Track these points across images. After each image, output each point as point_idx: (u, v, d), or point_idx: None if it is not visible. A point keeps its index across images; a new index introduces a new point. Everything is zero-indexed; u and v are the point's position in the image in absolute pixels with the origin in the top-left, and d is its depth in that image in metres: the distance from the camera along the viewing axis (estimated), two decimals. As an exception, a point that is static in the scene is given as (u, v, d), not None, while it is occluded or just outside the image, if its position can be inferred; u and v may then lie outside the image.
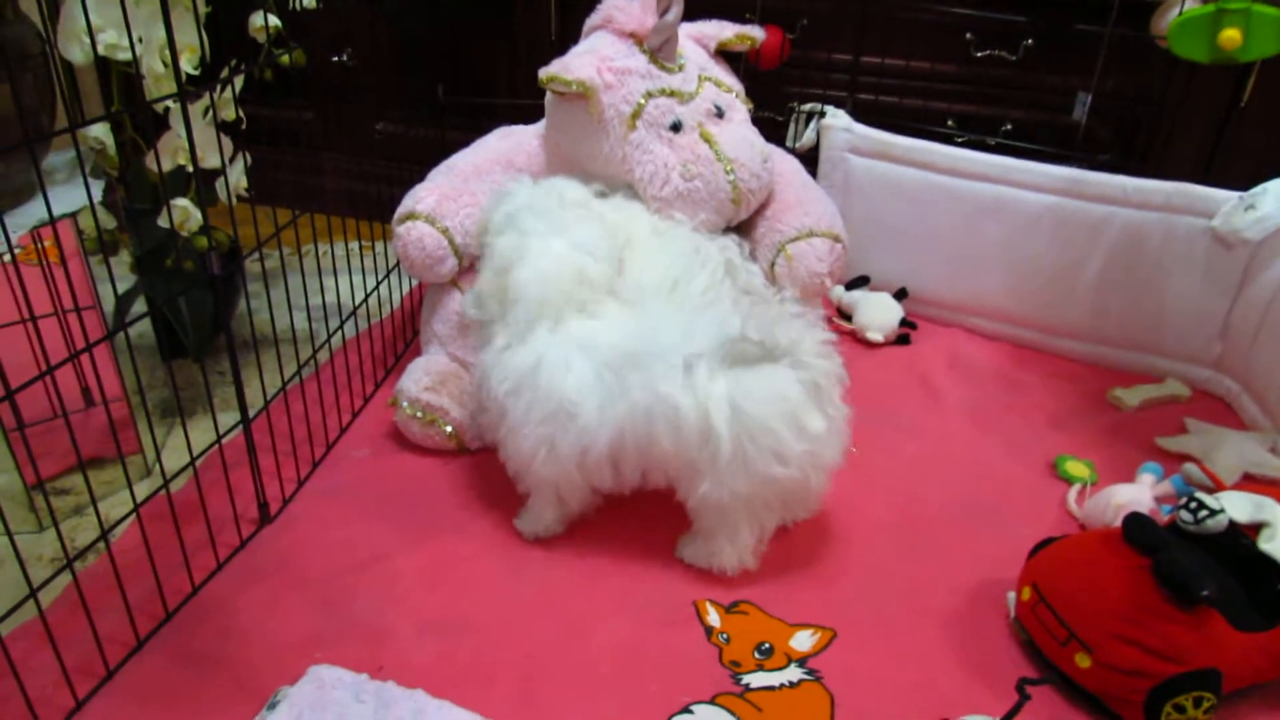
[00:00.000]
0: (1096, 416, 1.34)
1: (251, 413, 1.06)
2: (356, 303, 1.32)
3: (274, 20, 1.22)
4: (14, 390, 0.74)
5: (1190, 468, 1.11)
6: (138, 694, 0.88)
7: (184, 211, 1.14)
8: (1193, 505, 0.93)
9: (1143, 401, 1.36)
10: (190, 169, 1.14)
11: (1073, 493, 1.16)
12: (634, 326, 1.02)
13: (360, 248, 1.53)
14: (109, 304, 1.24)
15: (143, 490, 0.94)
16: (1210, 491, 0.97)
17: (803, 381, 0.95)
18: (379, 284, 1.39)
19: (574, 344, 1.00)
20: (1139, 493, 1.10)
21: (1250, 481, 1.16)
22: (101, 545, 1.02)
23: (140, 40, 1.06)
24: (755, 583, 1.02)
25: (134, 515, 0.90)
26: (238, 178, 1.20)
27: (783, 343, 0.95)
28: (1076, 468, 1.21)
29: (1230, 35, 1.21)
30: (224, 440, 1.03)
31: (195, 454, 0.98)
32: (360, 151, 1.77)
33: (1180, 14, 1.25)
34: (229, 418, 1.05)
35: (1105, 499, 1.10)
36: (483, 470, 1.19)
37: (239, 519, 1.06)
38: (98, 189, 1.13)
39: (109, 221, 1.14)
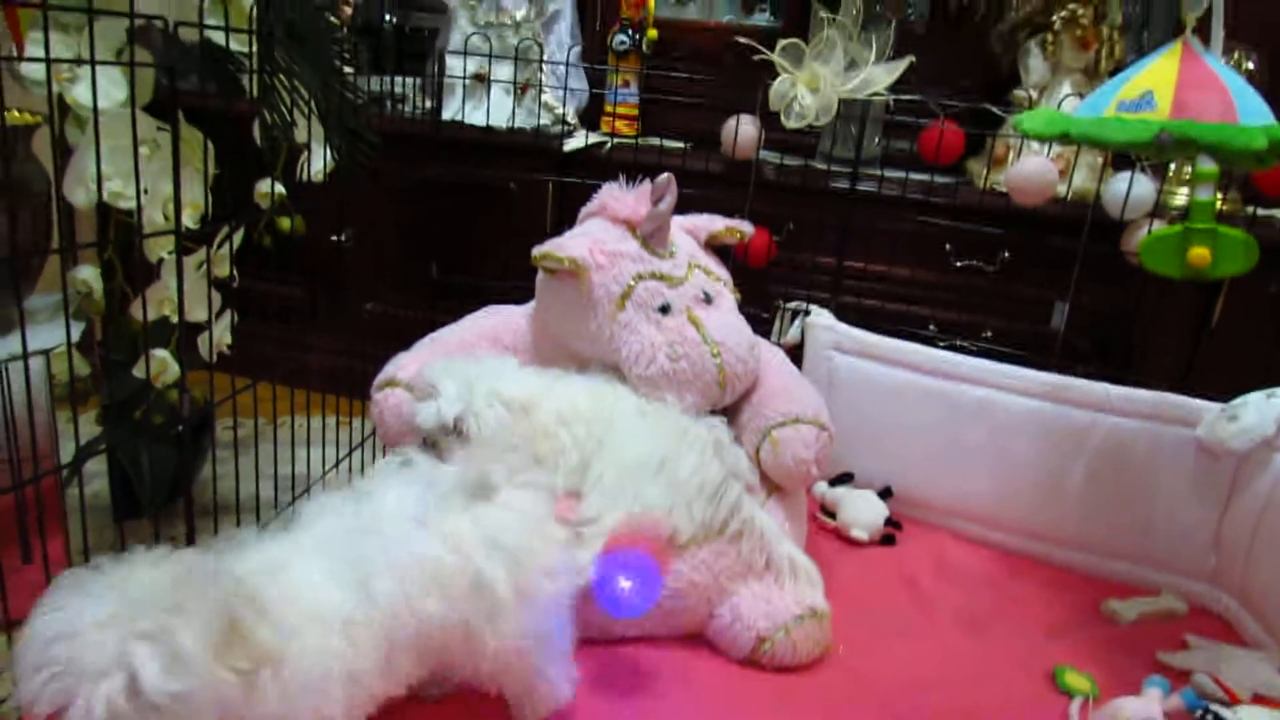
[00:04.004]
0: (1093, 629, 1.28)
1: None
2: (326, 473, 1.27)
3: (279, 188, 1.25)
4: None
5: (1202, 679, 1.04)
6: None
7: (162, 363, 1.12)
8: None
9: (1139, 615, 1.30)
10: (174, 319, 1.13)
11: (1075, 706, 1.08)
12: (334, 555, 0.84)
13: (338, 422, 1.50)
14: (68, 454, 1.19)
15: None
16: (1225, 705, 0.90)
17: (536, 494, 0.93)
18: (350, 453, 1.35)
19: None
20: (1148, 707, 1.02)
21: (1262, 701, 1.09)
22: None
23: (146, 192, 1.08)
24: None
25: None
26: (222, 333, 1.19)
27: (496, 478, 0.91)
28: (1077, 680, 1.13)
29: (1199, 253, 1.26)
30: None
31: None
32: (348, 330, 1.78)
33: (1149, 233, 1.31)
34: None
35: (1112, 714, 1.03)
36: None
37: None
38: (77, 331, 1.11)
39: (83, 368, 1.12)
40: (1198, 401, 1.31)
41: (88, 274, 1.09)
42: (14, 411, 1.01)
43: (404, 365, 1.22)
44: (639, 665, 1.09)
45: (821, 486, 1.53)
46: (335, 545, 0.82)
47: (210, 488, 1.42)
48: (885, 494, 1.50)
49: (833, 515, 1.49)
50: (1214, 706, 0.87)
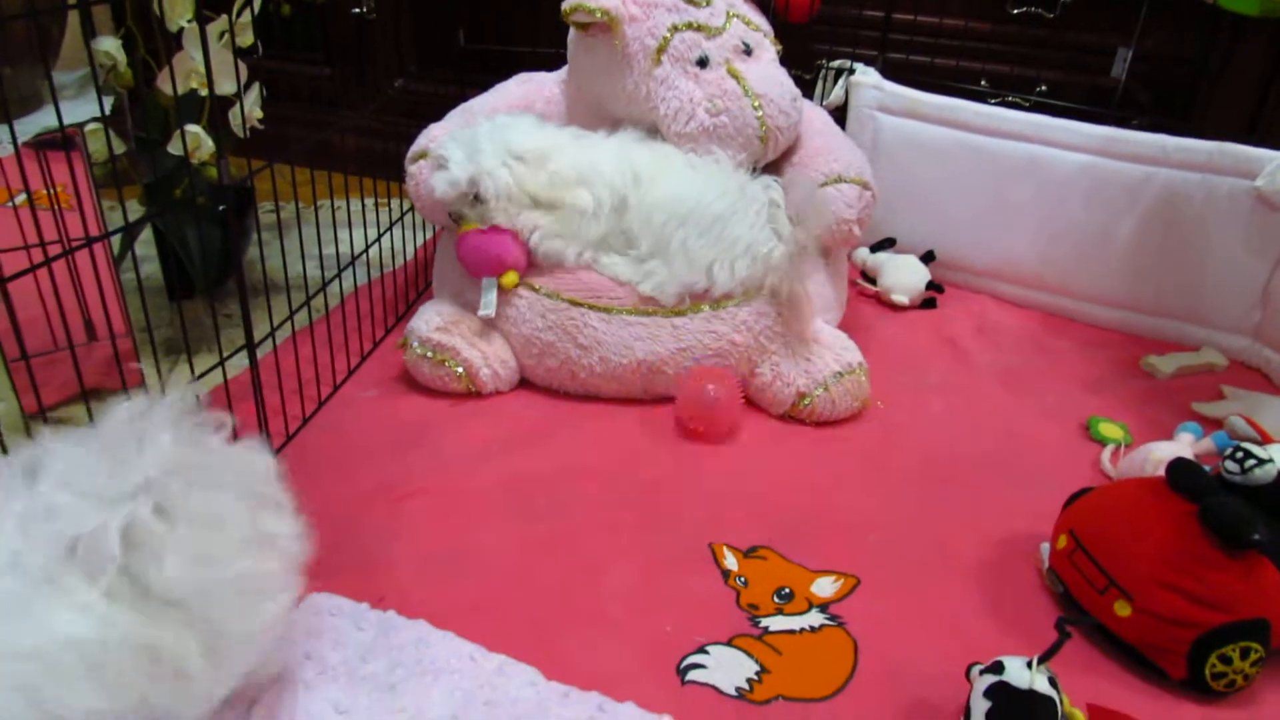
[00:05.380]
0: (1130, 383, 1.29)
1: (259, 350, 1.02)
2: (368, 249, 1.29)
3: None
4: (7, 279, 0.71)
5: (1236, 420, 1.06)
6: (129, 616, 0.84)
7: (195, 138, 1.11)
8: (1239, 455, 0.88)
9: (1177, 369, 1.31)
10: (204, 93, 1.11)
11: (1106, 452, 1.12)
12: None
13: (375, 204, 1.50)
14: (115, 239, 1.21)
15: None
16: (1257, 444, 0.92)
17: (241, 496, 0.68)
18: (390, 227, 1.36)
19: None
20: (1179, 449, 1.05)
21: (1295, 443, 1.11)
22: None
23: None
24: (774, 529, 0.98)
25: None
26: (252, 106, 1.17)
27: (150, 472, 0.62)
28: (1110, 429, 1.16)
29: (1282, -17, 1.17)
30: (228, 364, 0.99)
31: (200, 389, 0.94)
32: (378, 109, 1.74)
33: (1229, -37, 1.21)
34: (235, 359, 1.01)
35: (1142, 456, 1.05)
36: (493, 413, 1.15)
37: (241, 451, 1.02)
38: (106, 105, 1.10)
39: (118, 146, 1.11)
40: (1259, 150, 1.26)
41: (109, 45, 1.07)
42: (56, 190, 1.02)
43: (436, 136, 1.20)
44: (681, 420, 1.13)
45: (863, 252, 1.52)
46: None
47: (258, 268, 1.45)
48: (928, 258, 1.49)
49: (873, 281, 1.49)
50: (1245, 444, 0.88)
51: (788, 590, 0.91)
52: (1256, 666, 0.80)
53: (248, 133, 1.16)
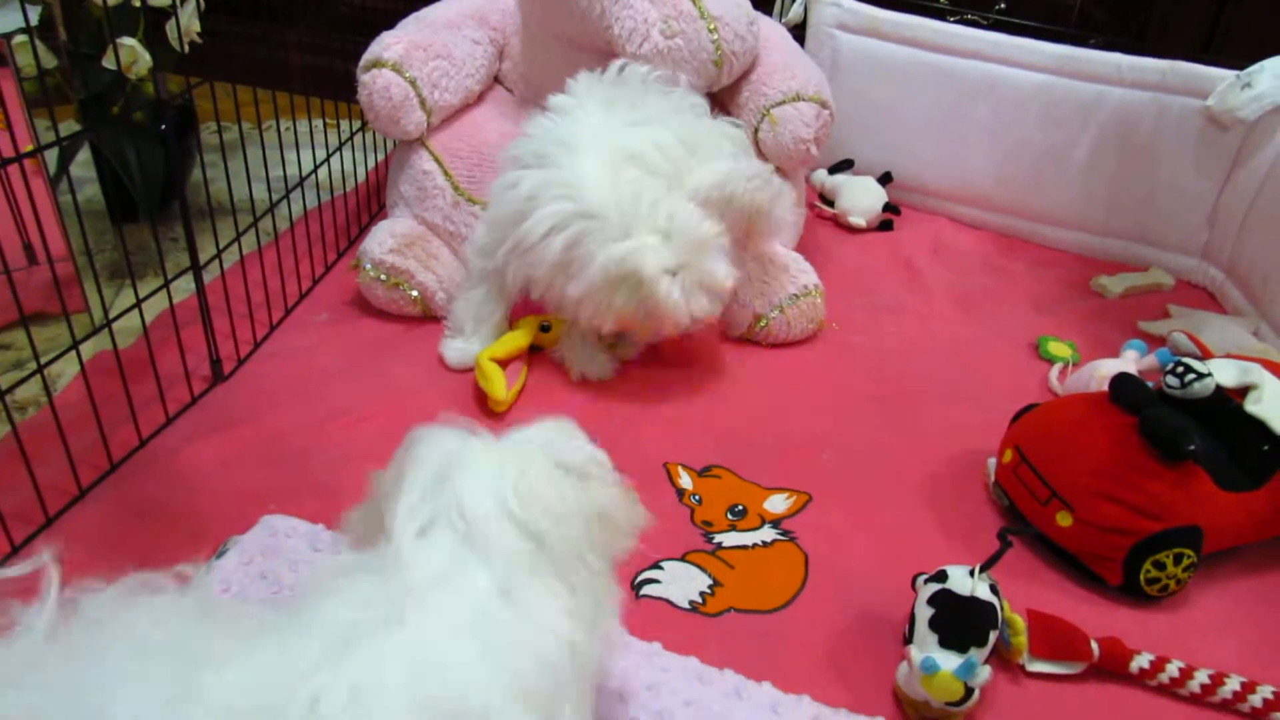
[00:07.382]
0: (1080, 302, 1.32)
1: (206, 273, 1.00)
2: (316, 169, 1.25)
3: None
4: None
5: (1178, 336, 1.08)
6: (78, 541, 0.83)
7: (131, 52, 1.07)
8: (1179, 369, 0.90)
9: (1126, 289, 1.33)
10: (138, 4, 1.06)
11: (1054, 370, 1.14)
12: None
13: (325, 125, 1.45)
14: (50, 158, 1.16)
15: (88, 348, 0.89)
16: (1197, 359, 0.94)
17: None
18: (341, 146, 1.32)
19: None
20: (1123, 366, 1.07)
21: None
22: (43, 397, 0.98)
23: None
24: (729, 448, 0.99)
25: (74, 353, 0.84)
26: (189, 19, 1.12)
27: None
28: (1059, 348, 1.18)
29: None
30: (174, 286, 0.96)
31: (145, 313, 0.92)
32: (327, 26, 1.68)
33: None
34: (182, 283, 0.99)
35: (1088, 373, 1.08)
36: (449, 337, 1.14)
37: (190, 376, 1.01)
38: (34, 15, 1.05)
39: (49, 60, 1.06)
40: (1211, 69, 1.26)
41: (33, -50, 1.02)
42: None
43: (389, 44, 1.16)
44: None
45: (821, 174, 1.51)
46: None
47: (202, 191, 1.41)
48: (885, 179, 1.49)
49: (831, 203, 1.48)
50: (1186, 359, 0.91)
51: (741, 507, 0.92)
52: (1189, 572, 0.83)
53: (185, 47, 1.11)
